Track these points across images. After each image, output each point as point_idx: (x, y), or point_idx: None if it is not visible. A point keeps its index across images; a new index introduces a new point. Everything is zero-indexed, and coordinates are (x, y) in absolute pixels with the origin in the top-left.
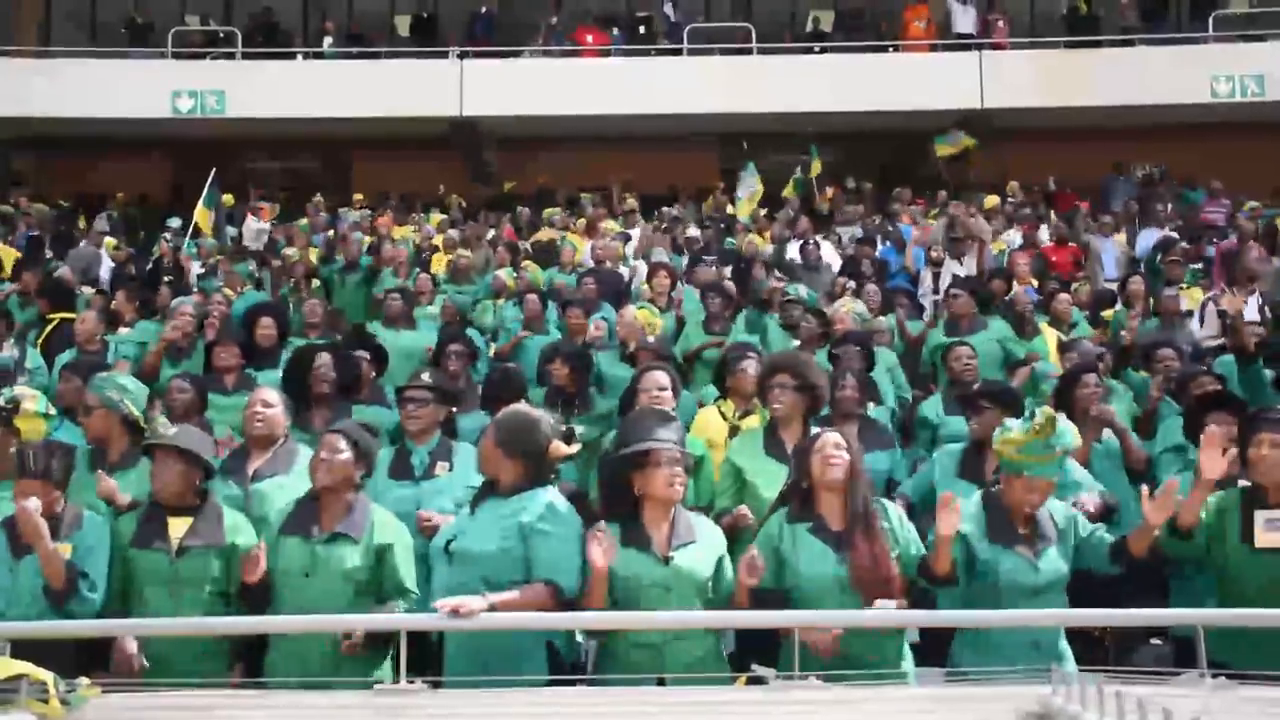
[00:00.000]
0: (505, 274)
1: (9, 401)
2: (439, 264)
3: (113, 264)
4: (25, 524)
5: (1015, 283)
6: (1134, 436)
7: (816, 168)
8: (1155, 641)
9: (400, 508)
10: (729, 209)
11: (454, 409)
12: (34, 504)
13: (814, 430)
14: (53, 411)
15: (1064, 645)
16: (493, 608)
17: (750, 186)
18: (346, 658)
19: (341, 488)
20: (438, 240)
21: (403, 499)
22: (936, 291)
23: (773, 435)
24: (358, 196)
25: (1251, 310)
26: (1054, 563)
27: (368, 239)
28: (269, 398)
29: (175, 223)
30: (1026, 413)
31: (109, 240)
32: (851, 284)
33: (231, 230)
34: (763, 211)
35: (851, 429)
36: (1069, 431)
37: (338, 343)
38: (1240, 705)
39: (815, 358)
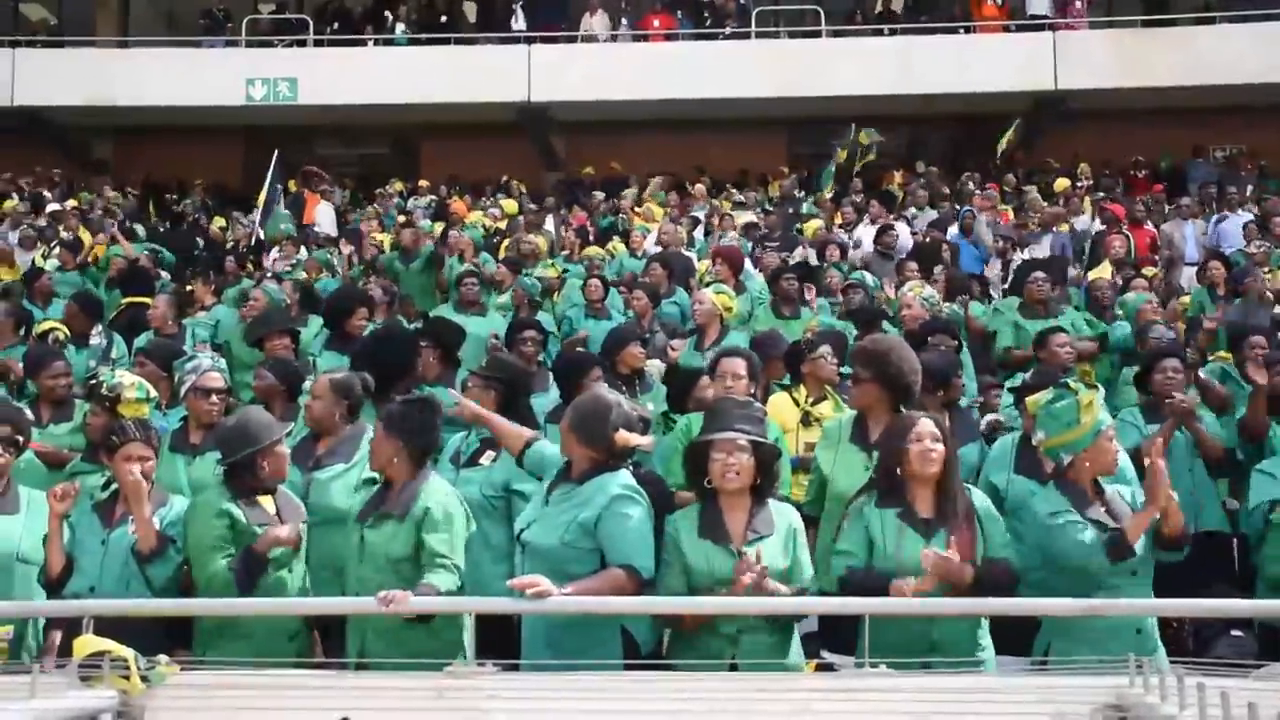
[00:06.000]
0: (541, 267)
1: (110, 390)
2: (505, 249)
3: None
4: (135, 487)
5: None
6: (1206, 427)
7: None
8: (1236, 633)
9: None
10: (797, 193)
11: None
12: (144, 468)
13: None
14: (153, 394)
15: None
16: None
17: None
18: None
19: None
20: (504, 225)
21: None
22: (1005, 281)
23: (860, 424)
24: (423, 183)
25: None
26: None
27: (436, 225)
28: (318, 389)
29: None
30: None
31: (217, 219)
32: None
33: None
34: (828, 195)
35: (944, 418)
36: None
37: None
38: None
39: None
